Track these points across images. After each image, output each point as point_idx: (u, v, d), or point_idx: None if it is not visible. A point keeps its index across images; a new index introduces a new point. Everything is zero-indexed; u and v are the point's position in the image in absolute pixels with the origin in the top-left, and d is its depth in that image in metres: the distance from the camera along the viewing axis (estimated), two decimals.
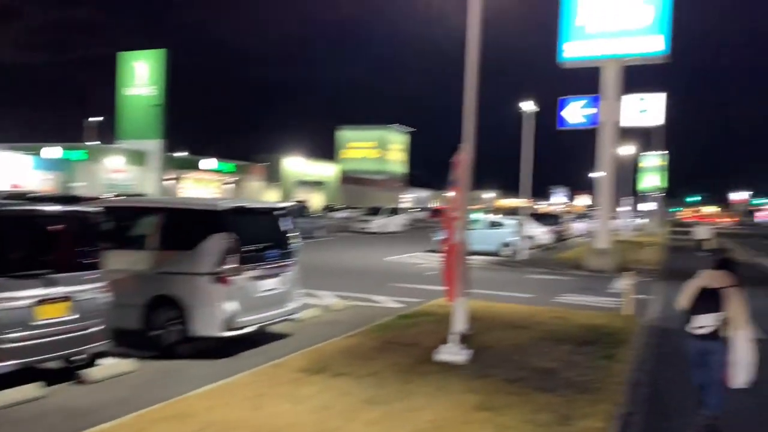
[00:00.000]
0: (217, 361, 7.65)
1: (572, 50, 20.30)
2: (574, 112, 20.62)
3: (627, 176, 63.53)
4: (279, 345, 8.51)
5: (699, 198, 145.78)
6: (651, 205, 66.51)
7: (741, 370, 5.38)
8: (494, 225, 25.10)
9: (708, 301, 5.46)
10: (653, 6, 19.24)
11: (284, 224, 9.08)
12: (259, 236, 8.49)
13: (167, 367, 7.36)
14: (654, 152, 61.07)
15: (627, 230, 43.02)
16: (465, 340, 8.02)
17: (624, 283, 12.02)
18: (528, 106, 22.58)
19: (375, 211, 39.52)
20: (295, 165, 67.83)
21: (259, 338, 8.52)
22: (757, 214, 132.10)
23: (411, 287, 14.70)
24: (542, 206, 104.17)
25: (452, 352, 7.46)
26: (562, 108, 20.91)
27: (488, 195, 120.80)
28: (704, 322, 5.46)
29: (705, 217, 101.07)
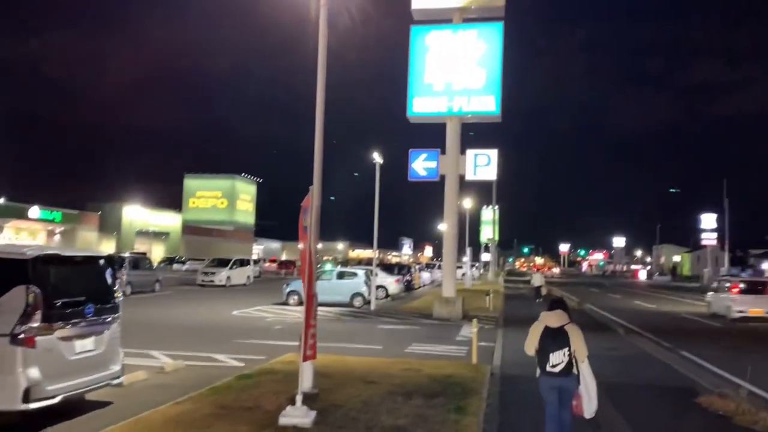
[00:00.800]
0: None
1: (420, 106, 21.09)
2: (420, 165, 21.26)
3: (472, 228, 67.68)
4: (96, 416, 7.31)
5: (527, 250, 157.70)
6: (489, 256, 70.70)
7: (590, 401, 5.80)
8: (345, 275, 24.88)
9: (555, 339, 5.85)
10: (485, 70, 20.66)
11: (107, 276, 7.98)
12: (75, 289, 7.33)
13: None
14: (490, 206, 65.83)
15: (470, 279, 45.07)
16: (313, 399, 7.44)
17: (470, 331, 12.14)
18: (378, 157, 22.97)
19: (222, 263, 37.59)
20: (137, 214, 63.46)
21: (72, 409, 7.26)
22: (583, 264, 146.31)
23: (258, 343, 13.80)
24: (393, 257, 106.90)
25: (297, 415, 6.82)
26: (412, 160, 21.45)
27: (340, 246, 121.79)
28: (557, 360, 5.79)
29: (537, 267, 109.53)
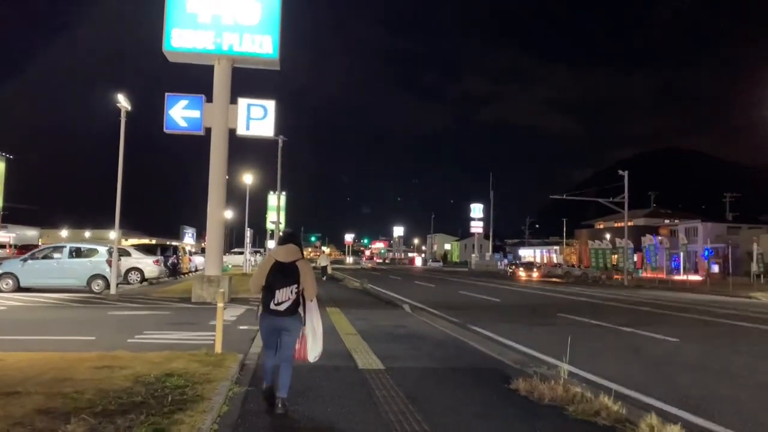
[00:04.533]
0: None
1: (180, 40, 17.09)
2: (178, 114, 17.20)
3: (259, 214, 63.85)
4: None
5: (315, 238, 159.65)
6: (275, 243, 67.77)
7: (315, 343, 5.38)
8: (80, 254, 19.70)
9: (284, 275, 5.30)
10: (261, 4, 17.42)
11: None
12: None
13: None
14: (275, 192, 62.64)
15: (250, 264, 41.63)
16: None
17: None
18: (124, 101, 18.22)
19: None
20: None
21: None
22: (366, 252, 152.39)
23: None
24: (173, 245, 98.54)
25: None
26: (170, 107, 17.23)
27: (112, 234, 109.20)
28: (283, 297, 5.25)
29: (325, 253, 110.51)
